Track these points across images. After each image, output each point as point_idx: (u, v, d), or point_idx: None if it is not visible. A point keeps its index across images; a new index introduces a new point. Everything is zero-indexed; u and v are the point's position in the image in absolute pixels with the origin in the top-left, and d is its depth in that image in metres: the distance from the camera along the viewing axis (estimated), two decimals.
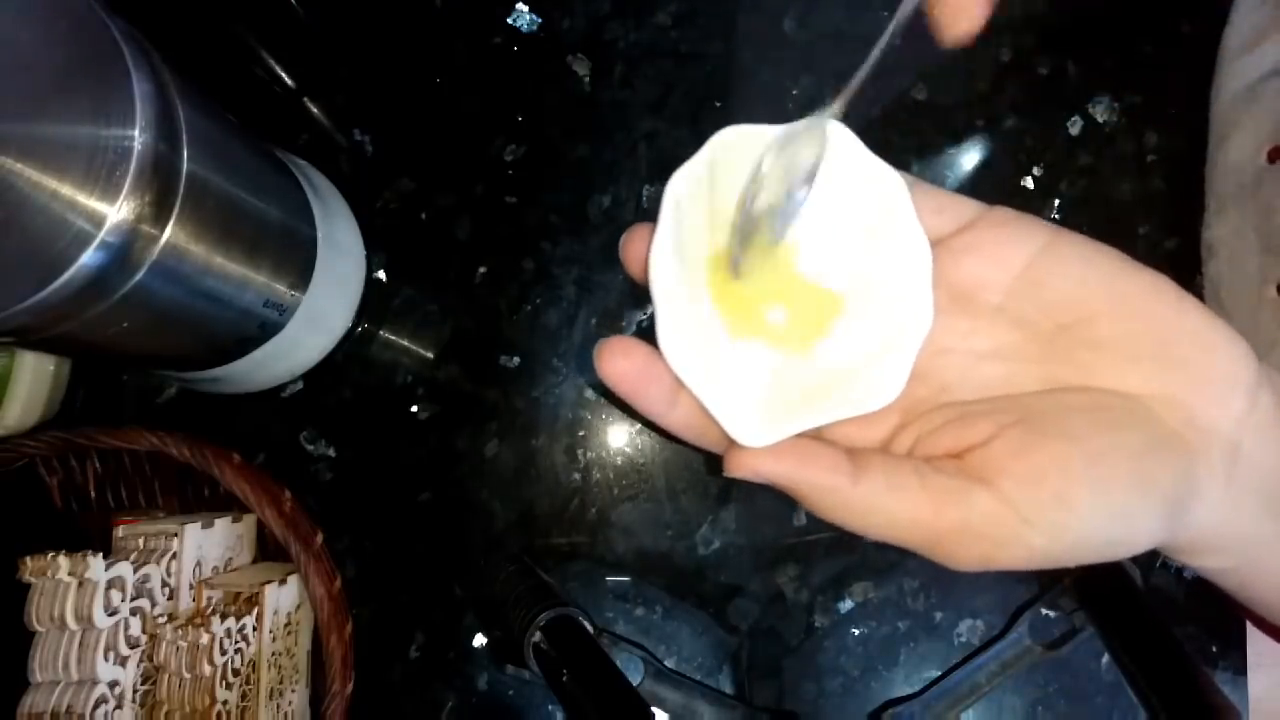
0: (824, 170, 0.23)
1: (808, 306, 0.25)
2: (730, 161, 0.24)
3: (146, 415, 0.52)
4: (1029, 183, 0.53)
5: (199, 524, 0.45)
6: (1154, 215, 0.53)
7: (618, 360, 0.23)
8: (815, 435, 0.24)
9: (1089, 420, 0.22)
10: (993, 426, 0.22)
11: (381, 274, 0.53)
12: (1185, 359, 0.22)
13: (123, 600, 0.42)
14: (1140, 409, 0.22)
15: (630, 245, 0.24)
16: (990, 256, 0.24)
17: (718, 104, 0.54)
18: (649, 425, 0.51)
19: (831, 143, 0.23)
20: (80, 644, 0.40)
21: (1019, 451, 0.22)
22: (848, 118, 0.23)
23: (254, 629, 0.45)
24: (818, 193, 0.24)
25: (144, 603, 0.43)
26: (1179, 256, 0.52)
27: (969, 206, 0.24)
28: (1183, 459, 0.22)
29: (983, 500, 0.21)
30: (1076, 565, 0.22)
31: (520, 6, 0.54)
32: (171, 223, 0.35)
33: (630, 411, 0.51)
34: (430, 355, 0.53)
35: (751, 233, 0.24)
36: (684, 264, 0.24)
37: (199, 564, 0.46)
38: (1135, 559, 0.46)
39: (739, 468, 0.22)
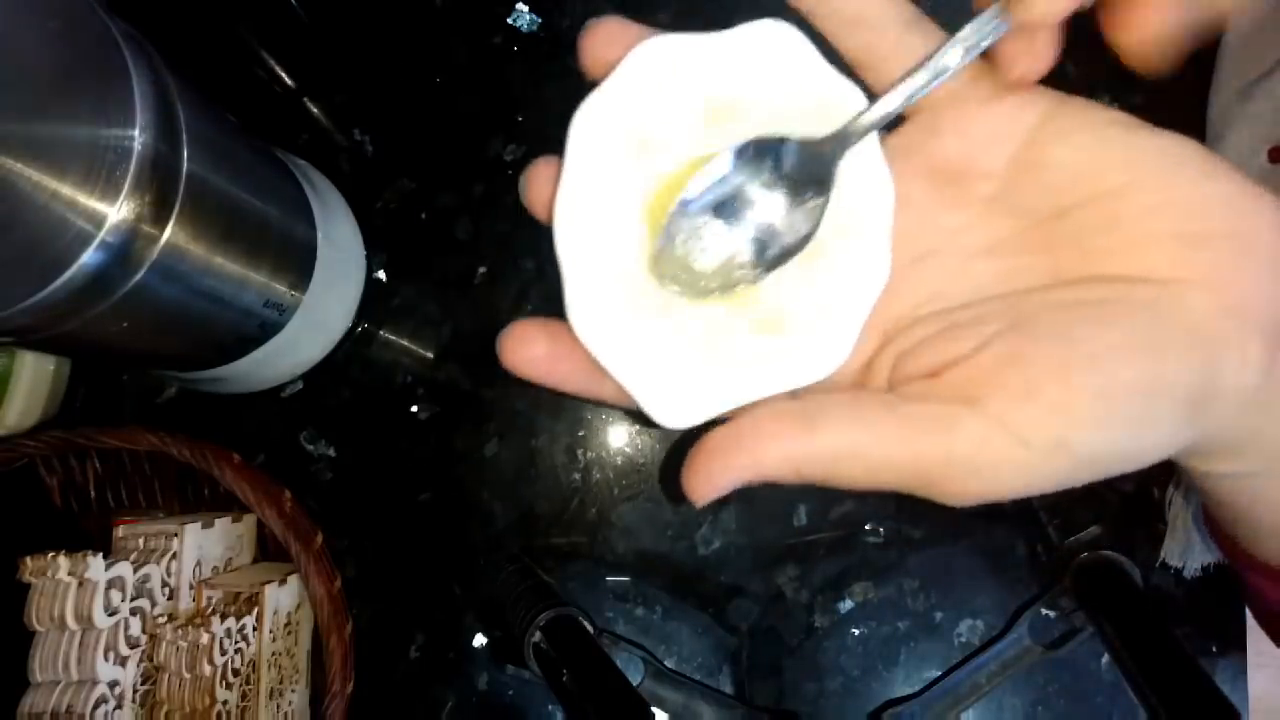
0: (771, 84, 0.20)
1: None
2: (655, 81, 0.20)
3: (146, 415, 0.52)
4: None
5: (199, 524, 0.45)
6: None
7: (519, 350, 0.21)
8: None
9: (1092, 315, 0.19)
10: (978, 337, 0.20)
11: (381, 274, 0.53)
12: (1216, 233, 0.19)
13: (123, 600, 0.42)
14: (1158, 296, 0.19)
15: (533, 186, 0.21)
16: (982, 136, 0.20)
17: None
18: (646, 423, 0.51)
19: (780, 51, 0.20)
20: (80, 644, 0.40)
21: (1008, 361, 0.19)
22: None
23: (254, 629, 0.45)
24: (766, 109, 0.21)
25: (144, 603, 0.43)
26: None
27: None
28: (1207, 351, 0.18)
29: (969, 424, 0.18)
30: (1083, 484, 0.19)
31: (520, 6, 0.54)
32: (171, 223, 0.35)
33: (627, 407, 0.51)
34: (430, 355, 0.53)
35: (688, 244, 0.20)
36: (600, 211, 0.21)
37: (199, 564, 0.46)
38: (1135, 559, 0.46)
39: (701, 495, 0.19)
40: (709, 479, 0.19)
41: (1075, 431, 0.18)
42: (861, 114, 0.20)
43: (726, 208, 0.20)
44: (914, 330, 0.21)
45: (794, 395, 0.22)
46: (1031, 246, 0.21)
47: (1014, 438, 0.18)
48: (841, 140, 0.20)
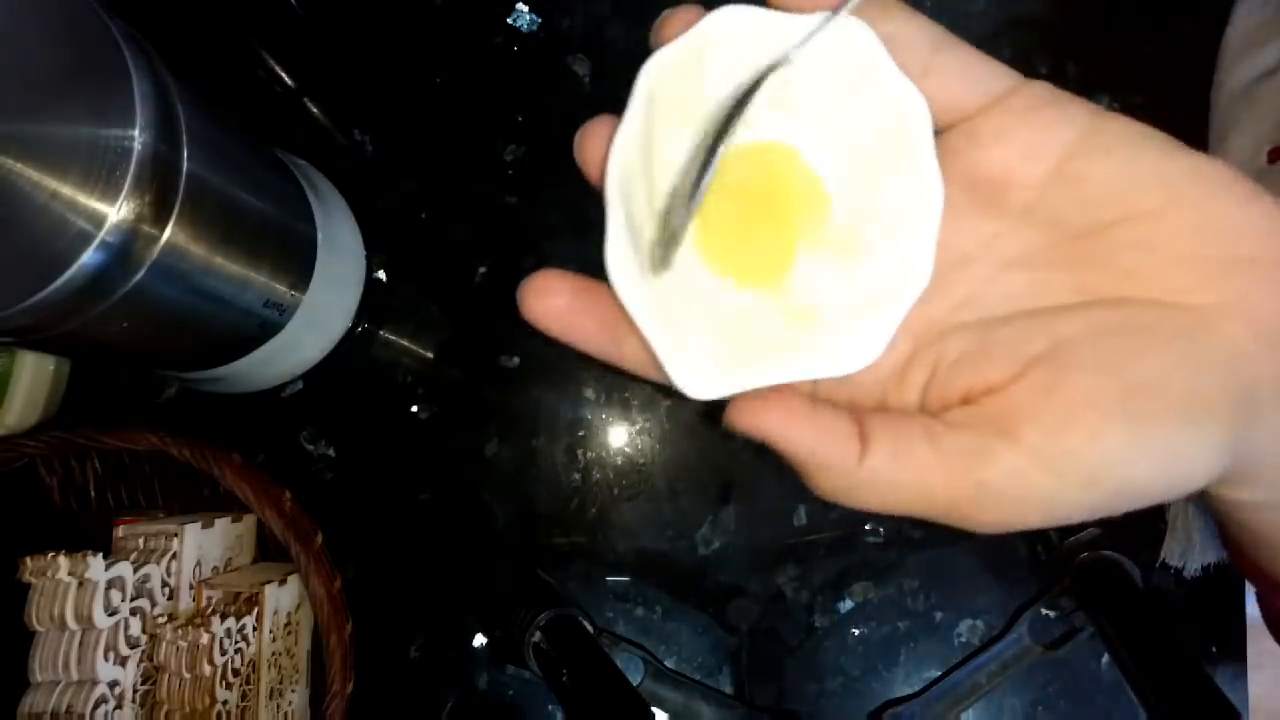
0: (839, 76, 0.21)
1: (796, 213, 0.22)
2: (724, 50, 0.20)
3: (146, 415, 0.52)
4: None
5: (199, 524, 0.45)
6: None
7: (541, 300, 0.20)
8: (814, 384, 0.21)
9: (1129, 344, 0.19)
10: (1015, 364, 0.20)
11: (381, 274, 0.53)
12: (1253, 258, 0.19)
13: (123, 600, 0.42)
14: (1193, 320, 0.19)
15: (588, 142, 0.20)
16: (1021, 147, 0.20)
17: None
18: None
19: (854, 47, 0.20)
20: (80, 644, 0.40)
21: (1044, 393, 0.19)
22: None
23: (254, 629, 0.45)
24: (826, 101, 0.21)
25: (144, 603, 0.43)
26: None
27: (1003, 77, 0.21)
28: (1246, 376, 0.18)
29: (1005, 457, 0.18)
30: (1121, 513, 0.19)
31: (520, 6, 0.54)
32: (171, 223, 0.35)
33: (623, 401, 0.51)
34: (430, 355, 0.53)
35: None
36: (652, 167, 0.20)
37: (199, 564, 0.46)
38: (1135, 559, 0.46)
39: (744, 419, 0.19)
40: (753, 420, 0.19)
41: (1110, 464, 0.18)
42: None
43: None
44: (949, 341, 0.21)
45: (816, 385, 0.22)
46: (1064, 261, 0.21)
47: (1049, 470, 0.18)
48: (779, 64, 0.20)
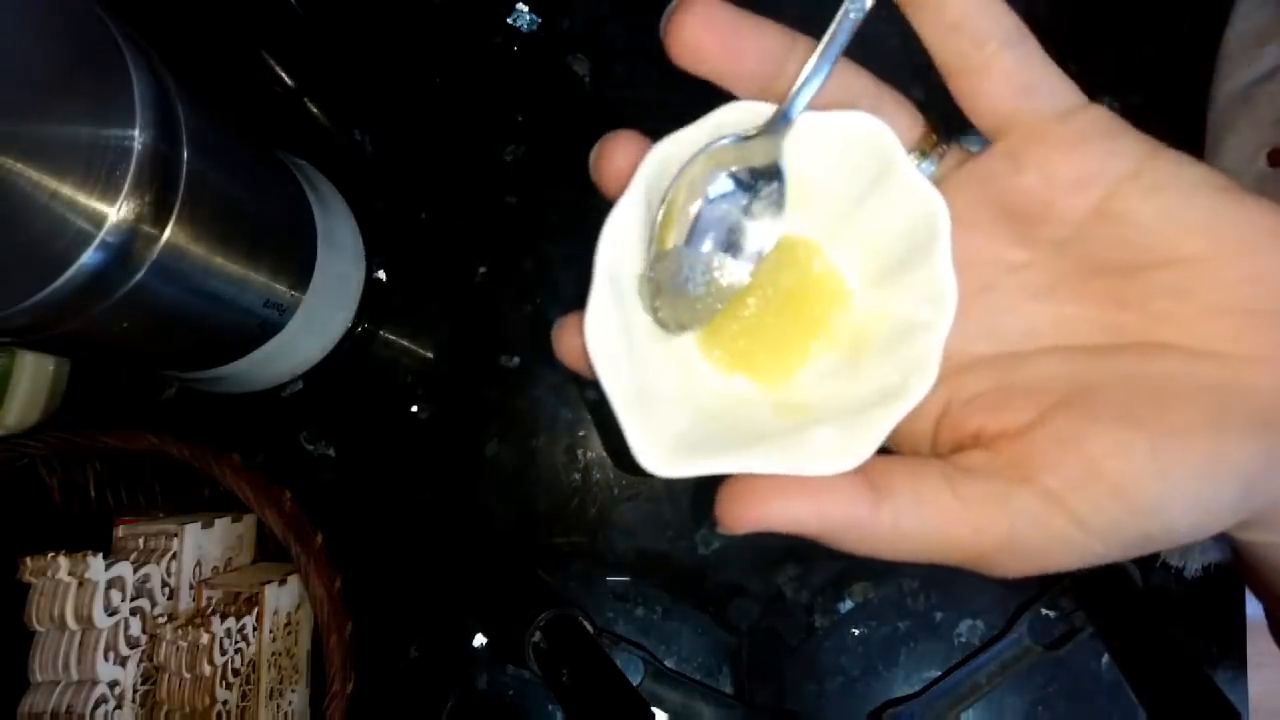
0: (859, 174, 0.20)
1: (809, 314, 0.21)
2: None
3: (146, 415, 0.52)
4: None
5: (199, 524, 0.45)
6: None
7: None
8: None
9: (1155, 394, 0.19)
10: (1034, 409, 0.19)
11: (381, 274, 0.53)
12: None
13: (123, 600, 0.42)
14: (1223, 372, 0.19)
15: (605, 162, 0.20)
16: (1065, 180, 0.19)
17: (718, 105, 0.54)
18: None
19: (874, 145, 0.20)
20: (80, 644, 0.40)
21: (1067, 442, 0.18)
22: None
23: (254, 629, 0.45)
24: (848, 199, 0.21)
25: (144, 603, 0.43)
26: None
27: (1063, 96, 0.20)
28: (1267, 433, 0.18)
29: (1026, 503, 0.18)
30: (1132, 558, 0.19)
31: (520, 6, 0.54)
32: (171, 223, 0.35)
33: None
34: (430, 355, 0.53)
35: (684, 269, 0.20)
36: (646, 246, 0.20)
37: (199, 564, 0.46)
38: (1135, 559, 0.46)
39: (736, 523, 0.19)
40: (748, 515, 0.19)
41: (1132, 515, 0.18)
42: (793, 90, 0.20)
43: (703, 233, 0.21)
44: (965, 376, 0.21)
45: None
46: (1093, 298, 0.20)
47: (1071, 519, 0.18)
48: (778, 123, 0.20)
